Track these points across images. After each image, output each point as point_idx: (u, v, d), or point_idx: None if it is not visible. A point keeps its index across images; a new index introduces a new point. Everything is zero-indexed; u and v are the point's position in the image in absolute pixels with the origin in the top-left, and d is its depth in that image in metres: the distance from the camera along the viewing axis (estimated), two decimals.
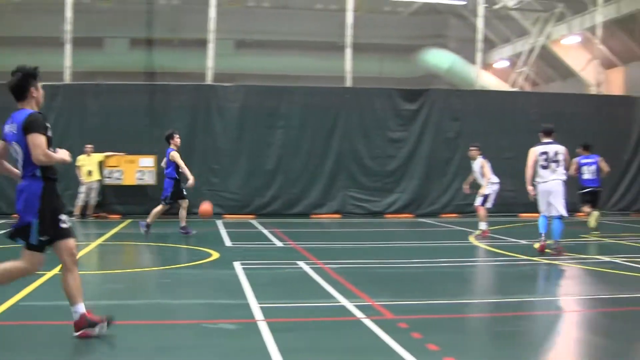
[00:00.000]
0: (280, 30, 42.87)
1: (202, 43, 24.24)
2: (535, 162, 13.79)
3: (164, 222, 17.86)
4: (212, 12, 23.19)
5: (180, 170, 16.14)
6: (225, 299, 8.99)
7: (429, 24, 49.33)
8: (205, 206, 19.01)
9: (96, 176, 20.99)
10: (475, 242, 15.80)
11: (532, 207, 22.69)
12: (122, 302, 8.94)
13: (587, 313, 8.80)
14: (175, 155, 16.15)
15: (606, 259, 13.17)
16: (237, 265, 11.49)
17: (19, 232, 6.78)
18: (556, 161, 13.74)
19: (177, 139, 16.56)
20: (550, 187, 13.73)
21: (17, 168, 6.96)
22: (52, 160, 6.73)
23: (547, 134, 14.08)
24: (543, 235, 13.59)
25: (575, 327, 8.11)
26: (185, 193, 16.60)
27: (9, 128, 6.80)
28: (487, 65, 46.37)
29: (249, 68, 41.90)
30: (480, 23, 27.77)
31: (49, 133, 6.80)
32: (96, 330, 6.90)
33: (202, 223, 18.99)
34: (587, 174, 17.73)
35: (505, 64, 47.19)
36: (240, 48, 43.28)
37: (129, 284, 10.49)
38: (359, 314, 8.01)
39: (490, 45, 47.53)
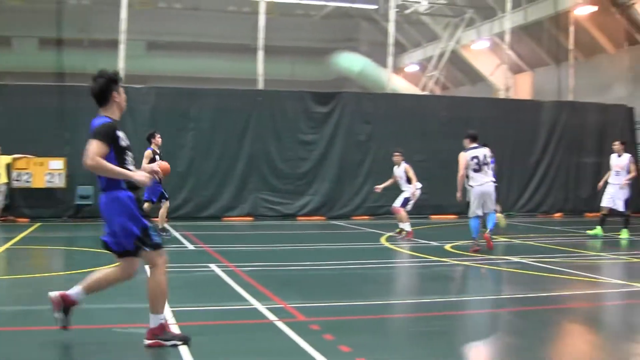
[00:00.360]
0: (192, 31, 42.61)
1: (113, 44, 23.93)
2: (467, 167, 14.24)
3: (76, 226, 17.57)
4: (123, 13, 22.89)
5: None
6: (136, 303, 8.80)
7: (340, 28, 49.64)
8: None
9: (3, 179, 20.46)
10: (387, 244, 15.96)
11: (443, 209, 23.29)
12: (29, 307, 8.75)
13: (499, 312, 9.00)
14: (146, 154, 15.74)
15: (515, 259, 13.47)
16: (148, 269, 11.35)
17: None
18: (487, 164, 14.40)
19: (158, 139, 16.35)
20: (486, 189, 14.37)
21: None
22: (103, 168, 6.54)
23: (474, 139, 14.55)
24: (476, 239, 14.21)
25: (487, 327, 8.27)
26: (166, 194, 16.61)
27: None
28: (398, 69, 46.91)
29: (161, 69, 41.51)
30: (391, 27, 28.07)
31: (122, 143, 6.76)
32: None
33: None
34: None
35: (415, 68, 47.78)
36: (151, 49, 42.85)
37: (36, 288, 10.26)
38: (271, 316, 8.02)
39: (401, 49, 48.13)
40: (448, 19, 41.78)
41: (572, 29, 28.45)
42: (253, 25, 26.97)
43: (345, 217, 22.92)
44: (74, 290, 6.93)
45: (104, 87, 6.84)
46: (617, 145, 18.55)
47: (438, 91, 42.05)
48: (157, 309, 6.81)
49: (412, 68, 47.97)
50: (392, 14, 28.10)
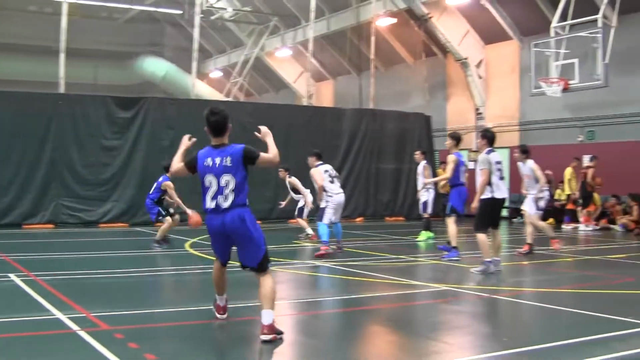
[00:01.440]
0: None
1: None
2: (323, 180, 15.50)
3: None
4: None
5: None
6: None
7: (145, 32, 49.03)
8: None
9: None
10: (191, 250, 15.91)
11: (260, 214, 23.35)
12: None
13: (303, 316, 9.17)
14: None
15: (318, 263, 13.76)
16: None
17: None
18: (337, 176, 15.94)
19: None
20: (341, 199, 15.71)
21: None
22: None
23: (319, 156, 16.12)
24: (325, 242, 15.03)
25: (292, 330, 8.40)
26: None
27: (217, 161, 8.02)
28: (202, 75, 46.86)
29: None
30: (196, 33, 28.00)
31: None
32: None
33: None
34: None
35: (219, 74, 47.85)
36: None
37: None
38: (73, 326, 7.81)
39: (206, 55, 48.10)
40: (253, 26, 42.13)
41: (373, 39, 29.38)
42: (55, 27, 26.13)
43: (149, 224, 22.61)
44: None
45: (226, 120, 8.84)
46: (417, 154, 19.62)
47: (242, 97, 42.33)
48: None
49: (217, 74, 48.05)
50: (197, 20, 28.03)
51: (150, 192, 17.15)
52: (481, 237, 12.52)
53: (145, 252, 16.07)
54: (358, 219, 26.39)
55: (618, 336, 7.67)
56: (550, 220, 25.78)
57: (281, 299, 10.58)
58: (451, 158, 15.25)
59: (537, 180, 16.09)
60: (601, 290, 11.41)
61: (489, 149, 12.73)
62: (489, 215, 12.67)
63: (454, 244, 14.67)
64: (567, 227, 23.71)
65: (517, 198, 28.18)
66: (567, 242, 19.95)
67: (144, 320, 8.49)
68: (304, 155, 24.56)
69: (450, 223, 14.87)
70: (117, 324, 8.04)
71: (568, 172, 24.17)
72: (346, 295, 10.41)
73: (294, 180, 18.96)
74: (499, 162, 12.63)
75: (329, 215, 15.30)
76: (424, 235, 18.87)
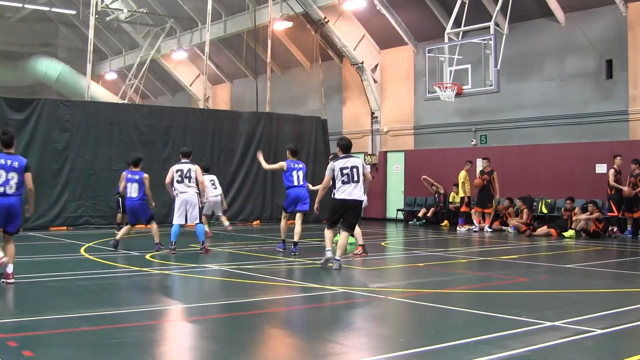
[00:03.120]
0: None
1: None
2: (172, 178, 16.19)
3: None
4: None
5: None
6: None
7: (38, 32, 47.92)
8: None
9: None
10: (87, 255, 15.62)
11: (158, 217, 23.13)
12: None
13: (196, 320, 9.10)
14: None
15: (215, 266, 13.71)
16: None
17: None
18: (189, 177, 16.14)
19: None
20: (188, 197, 16.09)
21: None
22: None
23: (186, 155, 16.48)
24: (174, 243, 15.82)
25: (185, 334, 8.33)
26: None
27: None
28: (97, 77, 46.08)
29: None
30: (90, 34, 27.51)
31: None
32: None
33: None
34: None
35: (114, 75, 47.20)
36: None
37: None
38: None
39: (101, 56, 47.36)
40: (149, 27, 41.67)
41: (269, 42, 29.40)
42: None
43: (43, 227, 22.11)
44: None
45: None
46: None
47: (138, 100, 41.83)
48: None
49: (112, 76, 47.37)
50: (92, 20, 27.56)
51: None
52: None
53: (40, 257, 15.70)
54: (255, 222, 26.39)
55: (512, 334, 7.87)
56: (445, 222, 26.35)
57: (177, 303, 10.52)
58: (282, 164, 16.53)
59: None
60: (495, 290, 11.69)
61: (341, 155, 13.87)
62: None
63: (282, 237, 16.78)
64: (461, 228, 24.19)
65: (412, 201, 28.75)
66: (461, 243, 20.40)
67: (38, 327, 8.29)
68: (200, 158, 24.60)
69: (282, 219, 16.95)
70: (9, 332, 7.83)
71: (462, 175, 24.67)
72: (242, 298, 10.38)
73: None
74: (345, 168, 13.52)
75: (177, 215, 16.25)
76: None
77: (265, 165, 16.85)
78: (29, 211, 11.96)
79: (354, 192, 13.53)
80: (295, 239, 15.82)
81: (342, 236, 13.58)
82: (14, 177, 11.10)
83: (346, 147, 13.86)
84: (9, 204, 11.20)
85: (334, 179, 13.68)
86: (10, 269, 11.06)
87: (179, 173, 16.14)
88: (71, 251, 16.55)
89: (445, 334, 8.05)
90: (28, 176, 11.30)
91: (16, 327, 8.21)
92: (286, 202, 16.47)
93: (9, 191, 11.09)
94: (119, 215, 21.98)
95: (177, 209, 16.16)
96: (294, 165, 16.29)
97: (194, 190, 16.21)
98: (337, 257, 13.28)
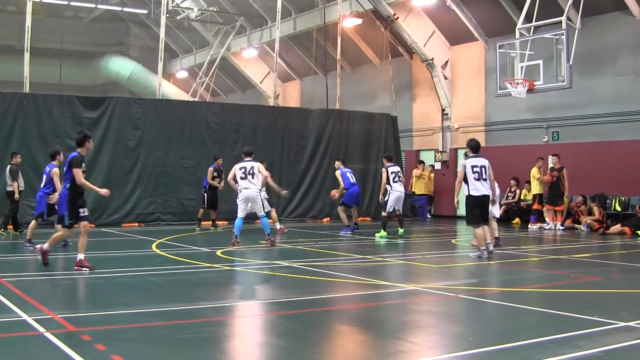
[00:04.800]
0: None
1: None
2: (234, 176, 17.13)
3: None
4: None
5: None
6: None
7: (111, 31, 48.73)
8: None
9: None
10: (158, 251, 15.83)
11: (217, 215, 23.41)
12: None
13: (270, 316, 9.16)
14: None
15: (285, 263, 13.77)
16: None
17: None
18: (252, 174, 16.97)
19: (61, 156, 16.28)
20: (250, 194, 16.94)
21: None
22: None
23: (248, 154, 17.35)
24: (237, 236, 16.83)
25: (255, 330, 8.39)
26: None
27: None
28: (168, 75, 46.65)
29: None
30: (162, 32, 27.83)
31: None
32: None
33: None
34: None
35: (185, 74, 47.70)
36: None
37: None
38: (40, 328, 7.74)
39: (172, 54, 47.93)
40: (219, 26, 42.02)
41: (339, 40, 29.39)
42: (19, 26, 25.84)
43: (116, 224, 22.47)
44: None
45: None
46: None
47: (208, 98, 42.21)
48: None
49: (183, 74, 47.88)
50: (163, 19, 27.87)
51: (43, 185, 16.41)
52: None
53: (112, 253, 15.98)
54: (325, 220, 26.42)
55: (585, 334, 7.75)
56: (516, 220, 26.01)
57: (247, 299, 10.60)
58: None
59: None
60: (567, 289, 11.53)
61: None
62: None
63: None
64: (532, 226, 23.88)
65: None
66: (532, 241, 20.16)
67: (111, 322, 8.43)
68: (270, 155, 24.77)
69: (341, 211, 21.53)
70: (84, 326, 7.98)
71: (534, 171, 24.34)
72: (313, 295, 10.42)
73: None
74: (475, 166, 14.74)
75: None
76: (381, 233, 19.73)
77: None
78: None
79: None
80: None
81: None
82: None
83: (475, 148, 15.05)
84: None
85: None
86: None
87: (242, 170, 17.02)
88: (143, 247, 16.79)
89: (516, 333, 7.97)
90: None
91: (89, 322, 8.37)
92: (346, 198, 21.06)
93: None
94: (202, 210, 22.35)
95: (240, 204, 17.02)
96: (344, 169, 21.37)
97: (256, 187, 17.02)
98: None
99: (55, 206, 14.77)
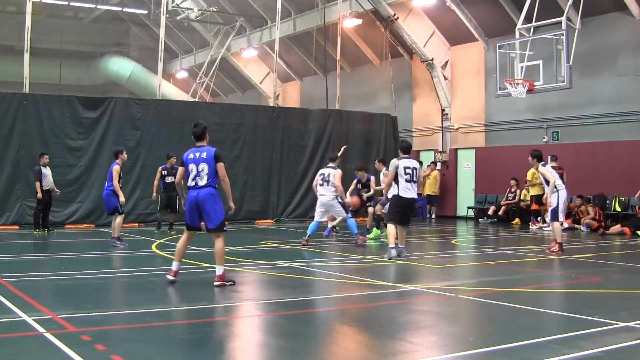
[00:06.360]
0: None
1: None
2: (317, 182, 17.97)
3: None
4: None
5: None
6: None
7: (111, 32, 48.75)
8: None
9: None
10: (158, 252, 15.83)
11: None
12: None
13: (270, 316, 9.17)
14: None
15: (284, 263, 13.77)
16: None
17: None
18: (328, 181, 17.62)
19: (124, 155, 17.45)
20: (324, 200, 17.69)
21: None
22: None
23: (331, 160, 18.18)
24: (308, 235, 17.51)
25: (255, 331, 8.40)
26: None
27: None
28: (168, 75, 46.66)
29: None
30: (161, 33, 27.83)
31: None
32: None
33: None
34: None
35: (185, 74, 47.71)
36: None
37: None
38: (40, 328, 7.74)
39: (172, 55, 47.94)
40: (219, 26, 42.04)
41: (339, 40, 29.39)
42: (19, 26, 25.83)
43: None
44: None
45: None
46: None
47: (208, 98, 42.22)
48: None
49: (183, 74, 47.91)
50: (162, 20, 27.87)
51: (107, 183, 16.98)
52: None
53: (112, 253, 15.98)
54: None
55: (585, 335, 7.76)
56: (516, 220, 26.01)
57: (248, 300, 10.60)
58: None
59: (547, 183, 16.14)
60: (567, 289, 11.53)
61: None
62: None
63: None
64: (533, 226, 23.89)
65: (483, 198, 28.51)
66: (532, 242, 20.16)
67: (111, 322, 8.44)
68: (270, 155, 24.81)
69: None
70: (83, 326, 7.98)
71: (530, 173, 24.30)
72: (312, 295, 10.43)
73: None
74: (407, 167, 14.48)
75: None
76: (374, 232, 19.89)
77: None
78: (231, 208, 11.56)
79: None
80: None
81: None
82: (204, 169, 10.93)
83: (406, 149, 14.90)
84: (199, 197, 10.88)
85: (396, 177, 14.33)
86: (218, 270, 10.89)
87: (321, 176, 17.88)
88: (143, 248, 16.79)
89: (516, 333, 7.97)
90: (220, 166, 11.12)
91: (90, 322, 8.37)
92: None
93: (200, 183, 10.89)
94: (159, 215, 21.89)
95: (317, 209, 18.05)
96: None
97: (331, 193, 17.61)
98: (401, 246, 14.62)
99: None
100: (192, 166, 10.99)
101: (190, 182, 10.95)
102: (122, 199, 16.36)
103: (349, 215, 18.00)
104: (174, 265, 11.04)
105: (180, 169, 11.31)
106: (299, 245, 17.04)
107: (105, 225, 21.98)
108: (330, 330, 8.39)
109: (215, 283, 10.64)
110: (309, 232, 17.51)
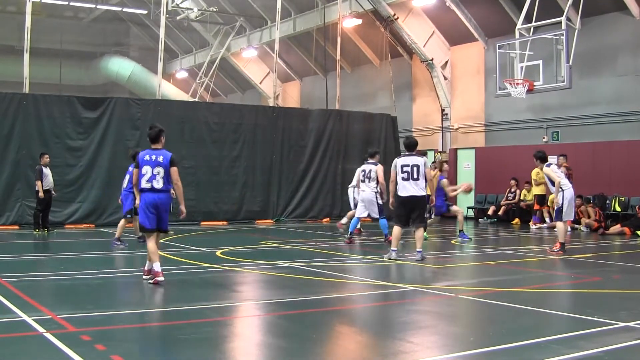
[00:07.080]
0: None
1: None
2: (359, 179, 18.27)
3: None
4: None
5: None
6: None
7: (110, 32, 48.75)
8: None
9: None
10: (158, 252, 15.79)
11: (212, 215, 23.48)
12: None
13: (269, 316, 9.17)
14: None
15: (284, 263, 13.77)
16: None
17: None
18: (369, 177, 17.73)
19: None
20: (365, 196, 17.90)
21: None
22: None
23: (370, 156, 18.15)
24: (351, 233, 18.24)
25: (255, 331, 8.40)
26: None
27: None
28: (168, 75, 46.65)
29: None
30: (161, 33, 27.83)
31: None
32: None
33: None
34: None
35: (185, 74, 47.70)
36: None
37: None
38: (39, 328, 7.73)
39: (172, 55, 47.94)
40: (218, 26, 42.04)
41: (339, 40, 29.37)
42: (19, 26, 25.82)
43: (115, 224, 22.32)
44: None
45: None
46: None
47: (208, 98, 42.22)
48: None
49: (183, 74, 47.91)
50: (162, 20, 27.86)
51: (125, 185, 17.15)
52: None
53: (112, 253, 15.98)
54: (324, 220, 26.41)
55: (585, 335, 7.76)
56: (516, 220, 25.99)
57: (248, 300, 10.59)
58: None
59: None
60: (567, 289, 11.53)
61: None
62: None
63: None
64: (534, 226, 23.88)
65: (483, 198, 28.49)
66: (533, 242, 20.16)
67: (111, 322, 8.44)
68: (270, 155, 24.81)
69: None
70: (83, 326, 7.98)
71: (534, 172, 24.29)
72: (312, 295, 10.42)
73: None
74: (405, 165, 14.34)
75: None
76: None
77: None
78: (182, 212, 11.60)
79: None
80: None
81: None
82: (159, 172, 11.22)
83: (410, 146, 14.78)
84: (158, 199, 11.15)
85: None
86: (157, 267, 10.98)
87: (363, 173, 18.02)
88: (142, 248, 16.75)
89: (516, 333, 7.96)
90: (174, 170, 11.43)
91: (90, 322, 8.37)
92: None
93: (156, 186, 11.12)
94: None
95: (359, 205, 18.30)
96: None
97: (372, 190, 17.74)
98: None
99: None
100: (147, 168, 11.18)
101: (145, 184, 11.12)
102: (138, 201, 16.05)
103: (381, 217, 18.00)
104: (156, 266, 11.02)
105: (136, 171, 11.41)
106: (299, 245, 17.05)
107: (105, 225, 22.01)
108: (330, 331, 8.38)
109: (159, 278, 10.82)
110: (350, 229, 18.17)
